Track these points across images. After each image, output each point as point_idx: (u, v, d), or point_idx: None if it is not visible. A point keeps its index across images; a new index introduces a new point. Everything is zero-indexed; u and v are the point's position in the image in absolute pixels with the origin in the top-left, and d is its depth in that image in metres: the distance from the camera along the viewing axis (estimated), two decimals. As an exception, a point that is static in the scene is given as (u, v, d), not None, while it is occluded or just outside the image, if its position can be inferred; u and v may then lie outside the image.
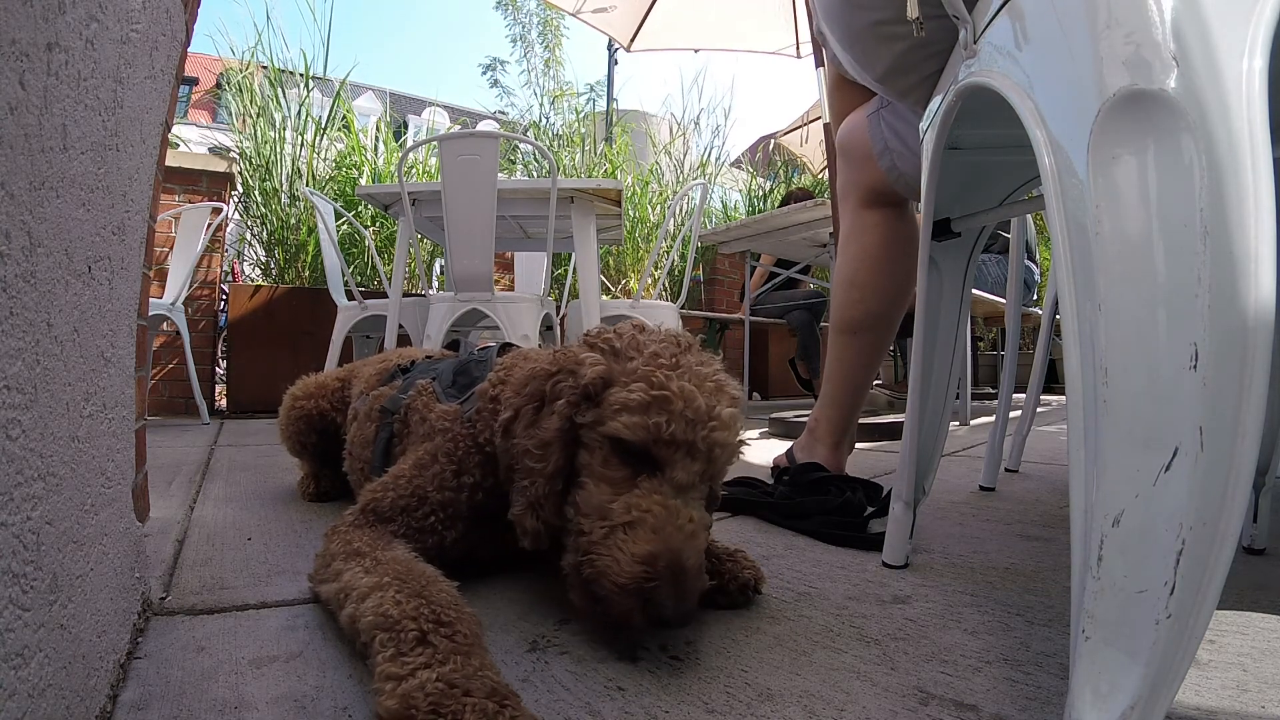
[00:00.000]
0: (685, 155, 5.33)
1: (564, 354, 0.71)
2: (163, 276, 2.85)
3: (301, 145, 3.72)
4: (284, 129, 3.69)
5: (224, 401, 3.48)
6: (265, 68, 3.73)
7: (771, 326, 4.30)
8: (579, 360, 0.68)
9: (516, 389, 0.72)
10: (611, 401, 0.63)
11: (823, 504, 1.09)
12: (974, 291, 1.67)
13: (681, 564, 0.58)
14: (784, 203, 4.14)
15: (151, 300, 2.52)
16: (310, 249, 3.67)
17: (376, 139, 4.21)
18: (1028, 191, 0.92)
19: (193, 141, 4.11)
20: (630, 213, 4.58)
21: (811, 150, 6.20)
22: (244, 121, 3.70)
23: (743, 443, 0.69)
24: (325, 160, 3.87)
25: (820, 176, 5.81)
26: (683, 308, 2.97)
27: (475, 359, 0.91)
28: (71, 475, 0.45)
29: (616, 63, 6.58)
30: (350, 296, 2.91)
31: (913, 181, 1.14)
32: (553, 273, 3.52)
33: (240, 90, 3.70)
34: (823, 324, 3.80)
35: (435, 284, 4.00)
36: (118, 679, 0.54)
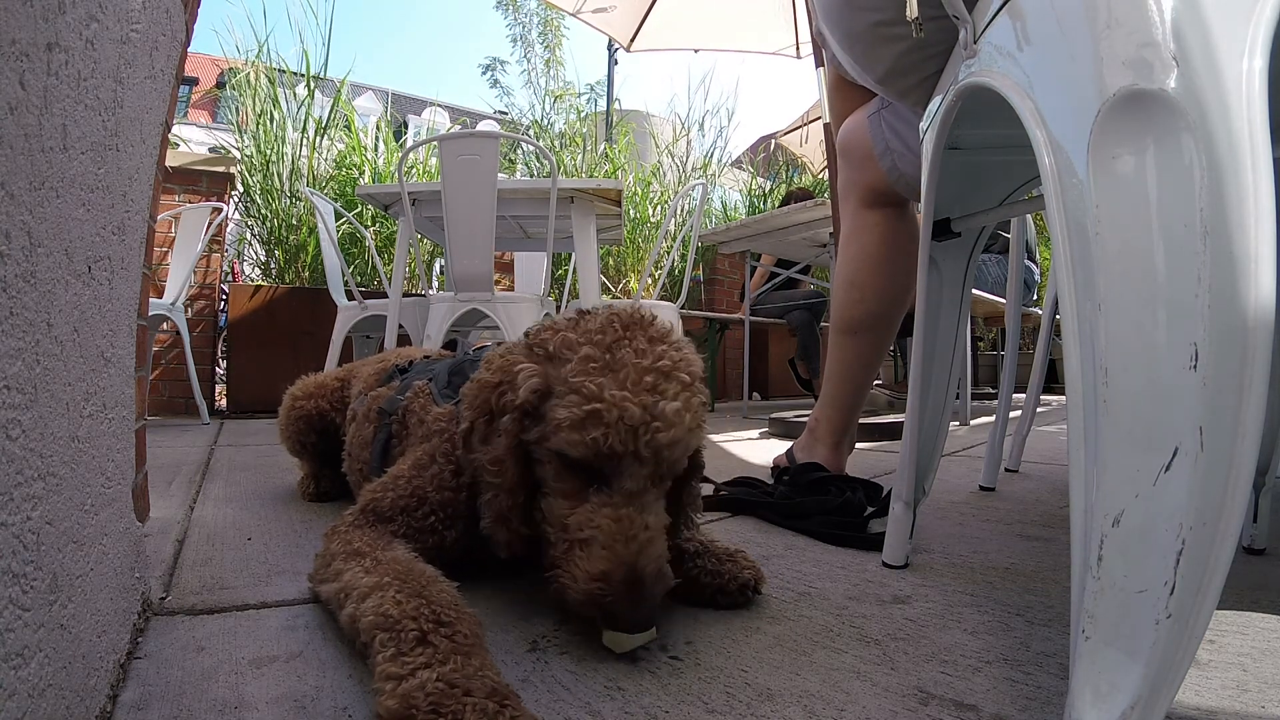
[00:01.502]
0: (688, 156, 5.33)
1: (507, 360, 0.69)
2: (163, 276, 2.85)
3: (303, 145, 3.72)
4: (285, 128, 3.69)
5: (224, 401, 3.48)
6: (267, 67, 3.74)
7: (771, 326, 4.30)
8: (516, 368, 0.66)
9: (470, 400, 0.70)
10: (551, 417, 0.62)
11: (823, 504, 1.09)
12: (974, 291, 1.67)
13: (636, 575, 0.58)
14: (784, 202, 4.14)
15: (151, 300, 2.52)
16: (310, 249, 3.67)
17: (376, 139, 4.21)
18: (1028, 191, 0.92)
19: (193, 141, 4.11)
20: (631, 213, 4.58)
21: (811, 150, 6.20)
22: (246, 120, 3.71)
23: (698, 428, 0.64)
24: (326, 160, 3.88)
25: (820, 176, 5.81)
26: (683, 308, 2.97)
27: (470, 359, 0.91)
28: (71, 475, 0.45)
29: (616, 63, 6.58)
30: (350, 296, 2.91)
31: (913, 182, 1.14)
32: (553, 273, 3.52)
33: (243, 89, 3.71)
34: (823, 324, 3.80)
35: (435, 284, 4.01)
36: (118, 679, 0.54)
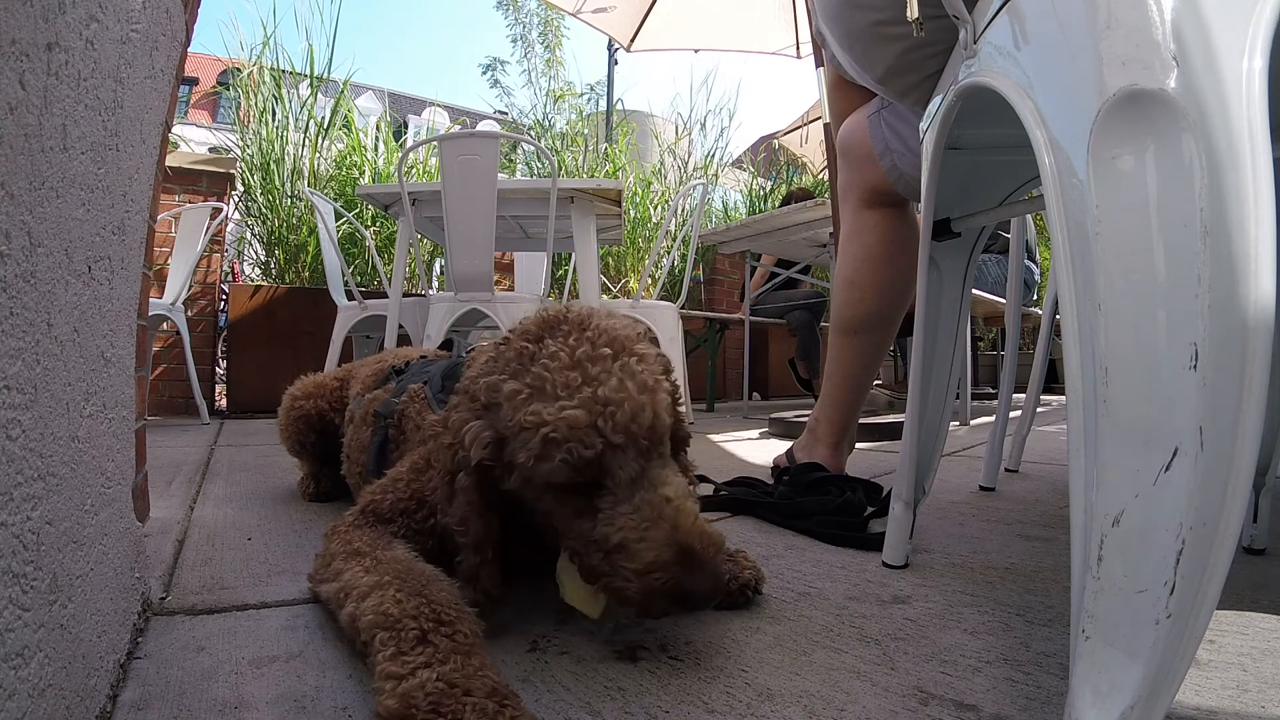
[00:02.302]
0: (689, 156, 5.34)
1: (457, 418, 0.66)
2: (163, 276, 2.85)
3: (304, 145, 3.72)
4: (286, 128, 3.70)
5: (224, 401, 3.48)
6: (271, 67, 3.74)
7: (771, 326, 4.31)
8: (462, 430, 0.64)
9: (436, 465, 0.68)
10: (518, 462, 0.61)
11: (822, 504, 1.09)
12: (974, 291, 1.67)
13: (685, 548, 0.57)
14: (784, 202, 4.14)
15: (151, 300, 2.52)
16: (310, 249, 3.67)
17: (377, 139, 4.21)
18: (1028, 191, 0.92)
19: (193, 141, 4.12)
20: (631, 213, 4.58)
21: (812, 150, 6.20)
22: (248, 119, 3.71)
23: (654, 387, 0.61)
24: (326, 160, 3.88)
25: (820, 176, 5.81)
26: (683, 308, 2.97)
27: (463, 361, 0.91)
28: (71, 475, 0.45)
29: (616, 63, 6.58)
30: (350, 296, 2.91)
31: (913, 182, 1.14)
32: (553, 273, 3.51)
33: (245, 88, 3.71)
34: (823, 324, 3.80)
35: (435, 284, 4.00)
36: (118, 679, 0.54)
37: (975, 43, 0.63)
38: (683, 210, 4.45)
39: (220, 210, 2.99)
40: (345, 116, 3.94)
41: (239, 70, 3.81)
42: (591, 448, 0.57)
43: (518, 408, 0.59)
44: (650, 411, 0.59)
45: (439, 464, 0.67)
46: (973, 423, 2.78)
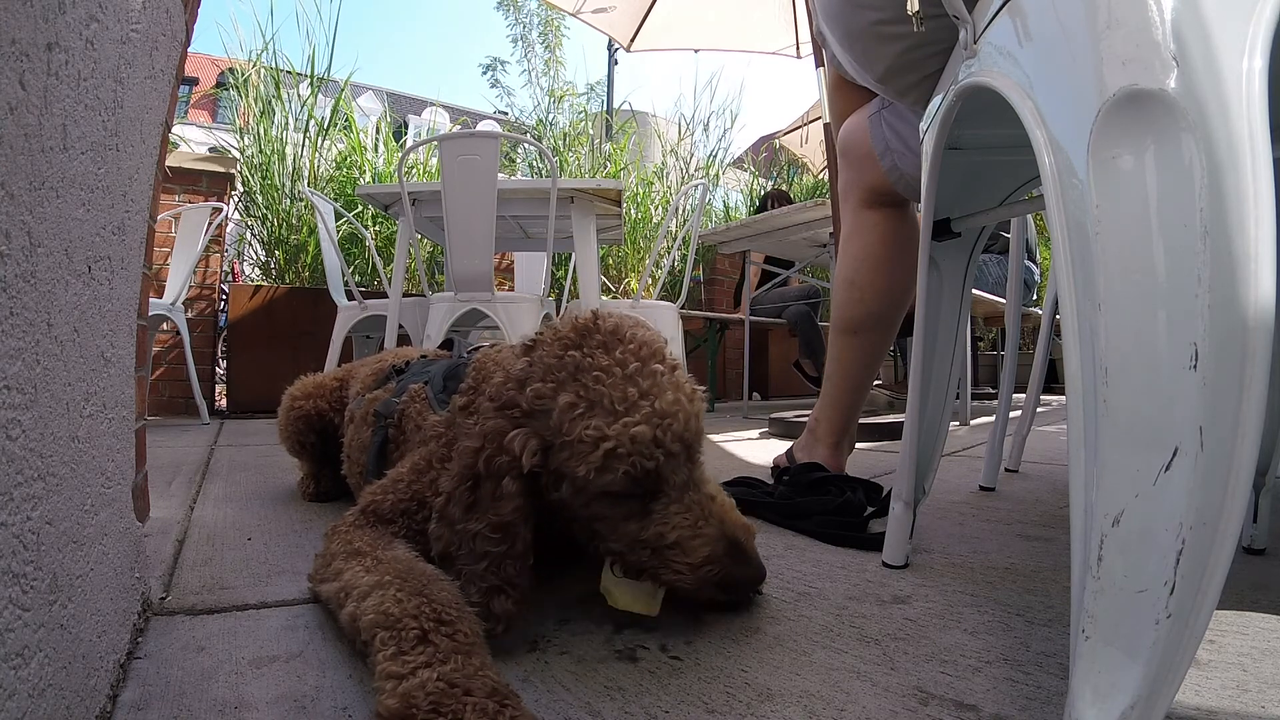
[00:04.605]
0: (691, 156, 5.34)
1: (488, 426, 0.64)
2: (163, 276, 2.85)
3: (304, 145, 3.72)
4: (286, 128, 3.69)
5: (224, 401, 3.48)
6: (270, 67, 3.74)
7: (771, 326, 4.30)
8: (507, 438, 0.63)
9: (451, 470, 0.67)
10: (575, 474, 0.61)
11: (822, 504, 1.09)
12: (974, 291, 1.67)
13: (734, 542, 0.63)
14: (762, 205, 4.16)
15: (151, 300, 2.52)
16: (310, 249, 3.67)
17: (377, 139, 4.21)
18: (1028, 191, 0.92)
19: (193, 141, 4.11)
20: (631, 213, 4.58)
21: (812, 150, 6.20)
22: (247, 120, 3.71)
23: (696, 396, 0.65)
24: (326, 160, 3.88)
25: (820, 176, 5.81)
26: (683, 308, 2.97)
27: (465, 362, 0.90)
28: (71, 475, 0.45)
29: (616, 63, 6.58)
30: (350, 296, 2.91)
31: (914, 182, 1.14)
32: (553, 273, 3.52)
33: (245, 88, 3.71)
34: (822, 322, 3.79)
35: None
36: (118, 679, 0.54)
37: (975, 43, 0.63)
38: (683, 210, 4.45)
39: (220, 210, 2.99)
40: (345, 116, 3.94)
41: (236, 71, 3.81)
42: (653, 459, 0.60)
43: (575, 421, 0.60)
44: (698, 420, 0.65)
45: (458, 469, 0.65)
46: (973, 423, 2.78)
